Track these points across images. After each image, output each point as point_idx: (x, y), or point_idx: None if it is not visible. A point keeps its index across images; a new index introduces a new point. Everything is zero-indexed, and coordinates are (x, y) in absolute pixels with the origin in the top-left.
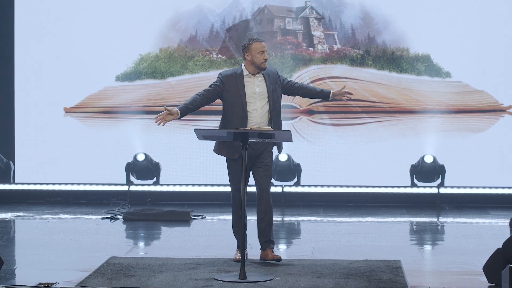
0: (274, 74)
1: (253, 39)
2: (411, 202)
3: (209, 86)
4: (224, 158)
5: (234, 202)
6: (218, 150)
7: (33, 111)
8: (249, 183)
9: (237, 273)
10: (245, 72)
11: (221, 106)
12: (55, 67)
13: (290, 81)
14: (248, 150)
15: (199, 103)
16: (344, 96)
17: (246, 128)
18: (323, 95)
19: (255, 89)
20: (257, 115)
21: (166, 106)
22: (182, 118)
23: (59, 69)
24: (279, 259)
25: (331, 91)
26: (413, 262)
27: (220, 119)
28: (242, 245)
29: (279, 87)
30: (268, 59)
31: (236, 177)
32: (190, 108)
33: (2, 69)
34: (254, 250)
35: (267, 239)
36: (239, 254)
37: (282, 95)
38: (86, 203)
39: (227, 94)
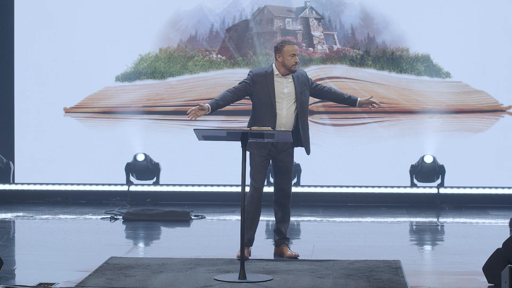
0: (304, 76)
1: (286, 42)
2: (411, 202)
3: (239, 83)
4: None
5: (248, 199)
6: (248, 146)
7: (33, 111)
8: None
9: (237, 273)
10: (276, 72)
11: (251, 103)
12: (55, 67)
13: (319, 84)
14: (270, 149)
15: (229, 99)
16: (370, 105)
17: (247, 128)
18: (350, 102)
19: (284, 90)
20: (282, 115)
21: (199, 102)
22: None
23: (59, 69)
24: (297, 257)
25: (358, 99)
26: (413, 262)
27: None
28: (242, 244)
29: (307, 89)
30: (299, 62)
31: (257, 174)
32: (220, 104)
33: (2, 69)
34: (255, 249)
35: (283, 236)
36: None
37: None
38: (86, 203)
39: (256, 92)
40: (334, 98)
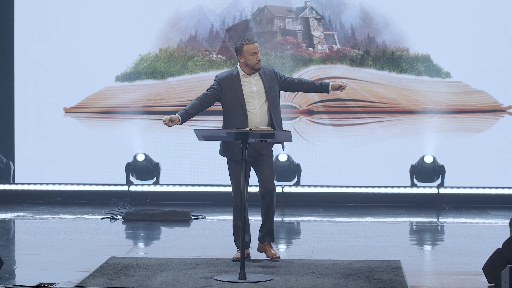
0: (271, 71)
1: (244, 41)
2: (411, 202)
3: (207, 89)
4: (225, 159)
5: (236, 204)
6: (222, 151)
7: (33, 111)
8: (250, 184)
9: (237, 273)
10: (241, 73)
11: (221, 106)
12: (55, 67)
13: (288, 77)
14: (249, 149)
15: (198, 107)
16: (340, 88)
17: (247, 128)
18: (323, 89)
19: (253, 89)
20: (256, 114)
21: (166, 116)
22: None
23: (59, 69)
24: (278, 258)
25: (330, 83)
26: (413, 262)
27: (222, 119)
28: (242, 245)
29: (276, 85)
30: (261, 59)
31: (238, 178)
32: (191, 113)
33: (2, 69)
34: (254, 250)
35: (265, 234)
36: (239, 254)
37: (284, 92)
38: (86, 203)
39: (225, 96)
40: (305, 89)
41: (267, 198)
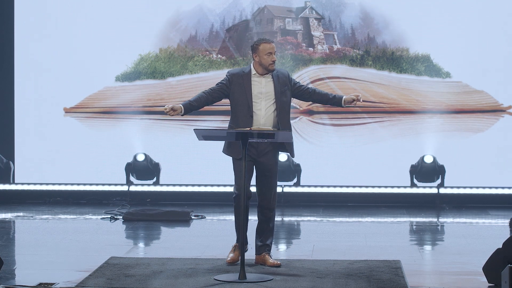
0: (285, 76)
1: (261, 40)
2: (411, 202)
3: (216, 84)
4: (229, 158)
5: (237, 203)
6: (225, 150)
7: (33, 111)
8: (253, 184)
9: (237, 273)
10: (253, 72)
11: (222, 106)
12: (55, 67)
13: (302, 85)
14: (251, 150)
15: (203, 101)
16: (354, 102)
17: (247, 128)
18: (335, 102)
19: (262, 89)
20: (261, 115)
21: (168, 105)
22: (186, 115)
23: (59, 69)
24: (279, 266)
25: (344, 97)
26: (413, 262)
27: (222, 119)
28: (242, 245)
29: (288, 90)
30: (276, 60)
31: (238, 179)
32: (194, 106)
33: (2, 69)
34: (253, 250)
35: (263, 244)
36: (231, 255)
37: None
38: (86, 203)
39: (233, 93)
40: (318, 100)
41: (264, 206)
